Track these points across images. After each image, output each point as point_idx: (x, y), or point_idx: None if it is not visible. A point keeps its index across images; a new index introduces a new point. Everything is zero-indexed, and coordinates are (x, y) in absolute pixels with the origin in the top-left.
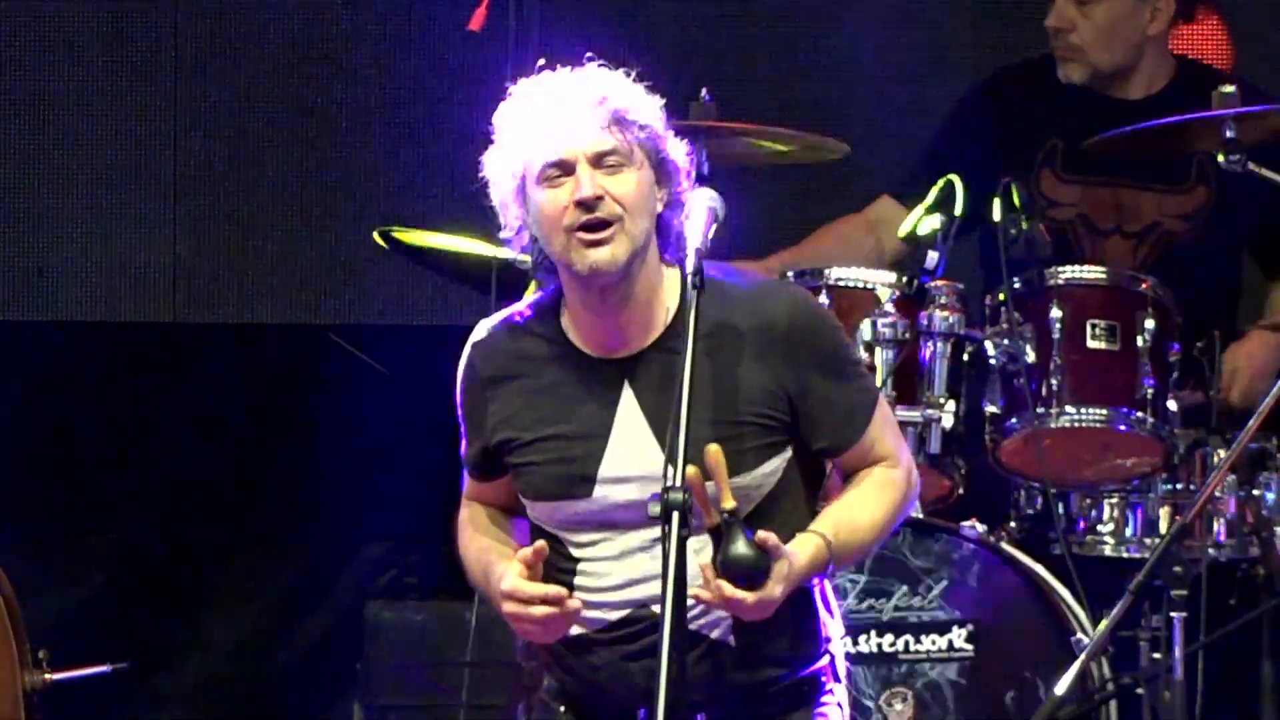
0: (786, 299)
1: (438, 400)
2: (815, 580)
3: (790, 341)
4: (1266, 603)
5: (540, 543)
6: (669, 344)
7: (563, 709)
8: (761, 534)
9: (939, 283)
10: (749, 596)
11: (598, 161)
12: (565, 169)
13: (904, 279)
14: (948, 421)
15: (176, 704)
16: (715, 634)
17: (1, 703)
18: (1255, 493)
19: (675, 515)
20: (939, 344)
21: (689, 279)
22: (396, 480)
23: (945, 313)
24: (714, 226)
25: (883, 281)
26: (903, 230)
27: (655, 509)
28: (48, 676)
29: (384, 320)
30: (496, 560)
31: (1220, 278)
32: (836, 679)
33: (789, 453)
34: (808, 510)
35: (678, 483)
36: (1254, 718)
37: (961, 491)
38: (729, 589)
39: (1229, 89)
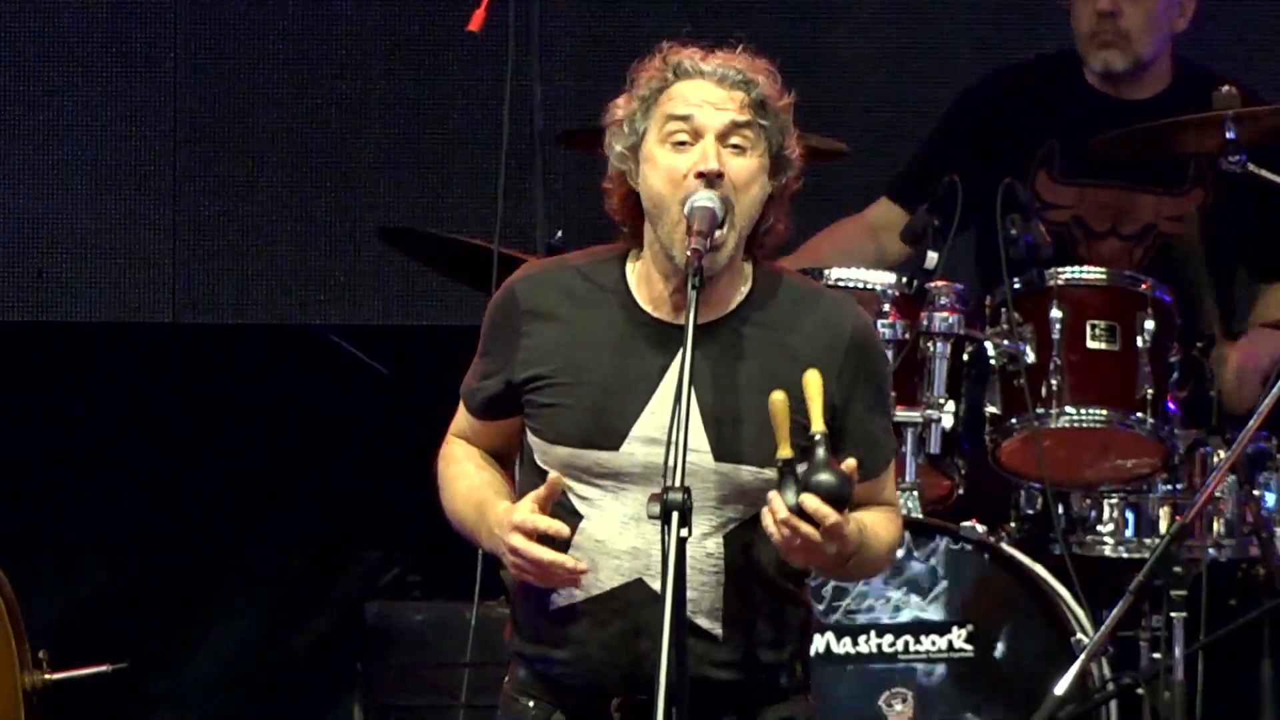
0: (856, 316)
1: (438, 400)
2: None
3: (849, 356)
4: (1267, 603)
5: (555, 475)
6: (735, 323)
7: (531, 703)
8: (851, 464)
9: (939, 283)
10: (831, 515)
11: (725, 137)
12: (694, 135)
13: (904, 279)
14: (948, 422)
15: (176, 704)
16: (703, 621)
17: (2, 703)
18: (1255, 493)
19: (675, 515)
20: (939, 344)
21: (689, 280)
22: (396, 480)
23: (945, 313)
24: (714, 227)
25: (882, 282)
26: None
27: (654, 509)
28: (48, 676)
29: (384, 320)
30: (494, 499)
31: (1217, 279)
32: (808, 677)
33: None
34: None
35: (677, 483)
36: (1254, 718)
37: (961, 492)
38: (814, 502)
39: (1229, 89)
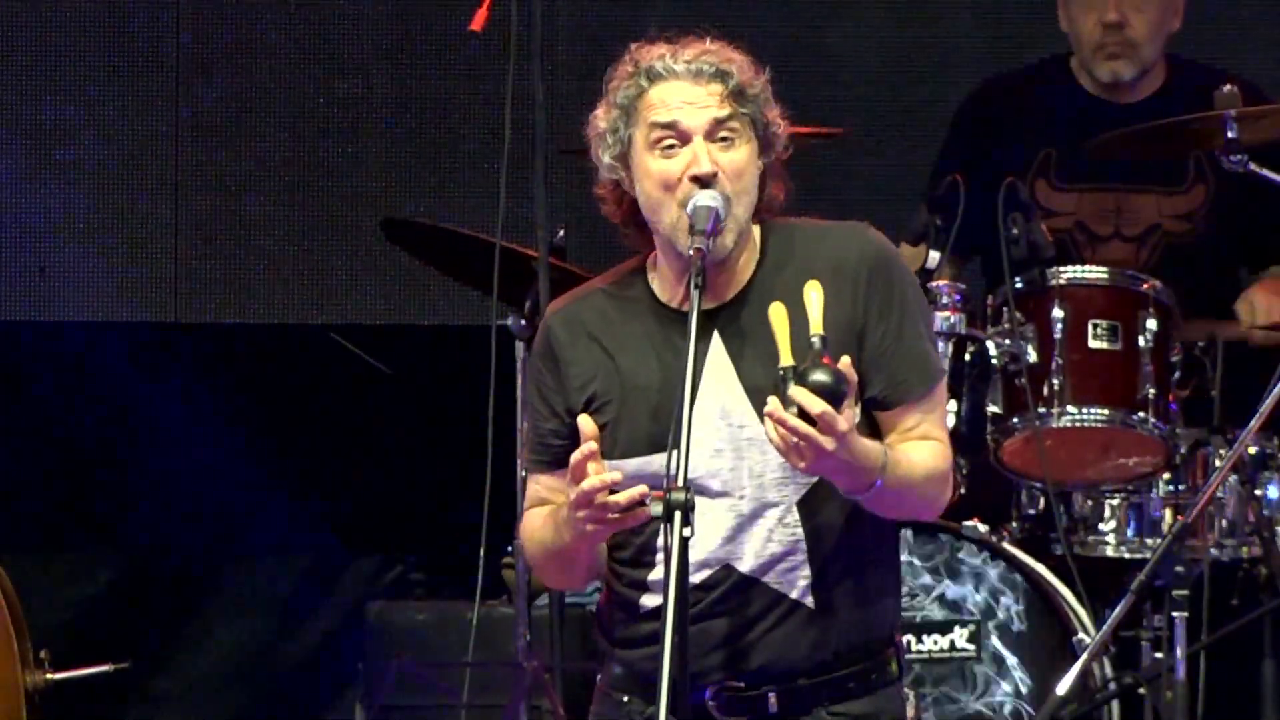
0: (868, 240)
1: (438, 400)
2: (886, 544)
3: (864, 279)
4: (1268, 602)
5: (585, 421)
6: (755, 290)
7: (626, 698)
8: (845, 361)
9: (941, 282)
10: (819, 404)
11: (712, 134)
12: (681, 139)
13: None
14: (949, 421)
15: (176, 704)
16: (794, 594)
17: (3, 702)
18: (1257, 492)
19: (676, 515)
20: (941, 344)
21: (691, 280)
22: (397, 480)
23: (947, 313)
24: (717, 225)
25: None
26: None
27: (657, 509)
28: (49, 676)
29: (385, 319)
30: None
31: (1222, 273)
32: (902, 669)
33: (858, 406)
34: None
35: (679, 482)
36: (1255, 718)
37: (963, 491)
38: (801, 393)
39: (1230, 89)
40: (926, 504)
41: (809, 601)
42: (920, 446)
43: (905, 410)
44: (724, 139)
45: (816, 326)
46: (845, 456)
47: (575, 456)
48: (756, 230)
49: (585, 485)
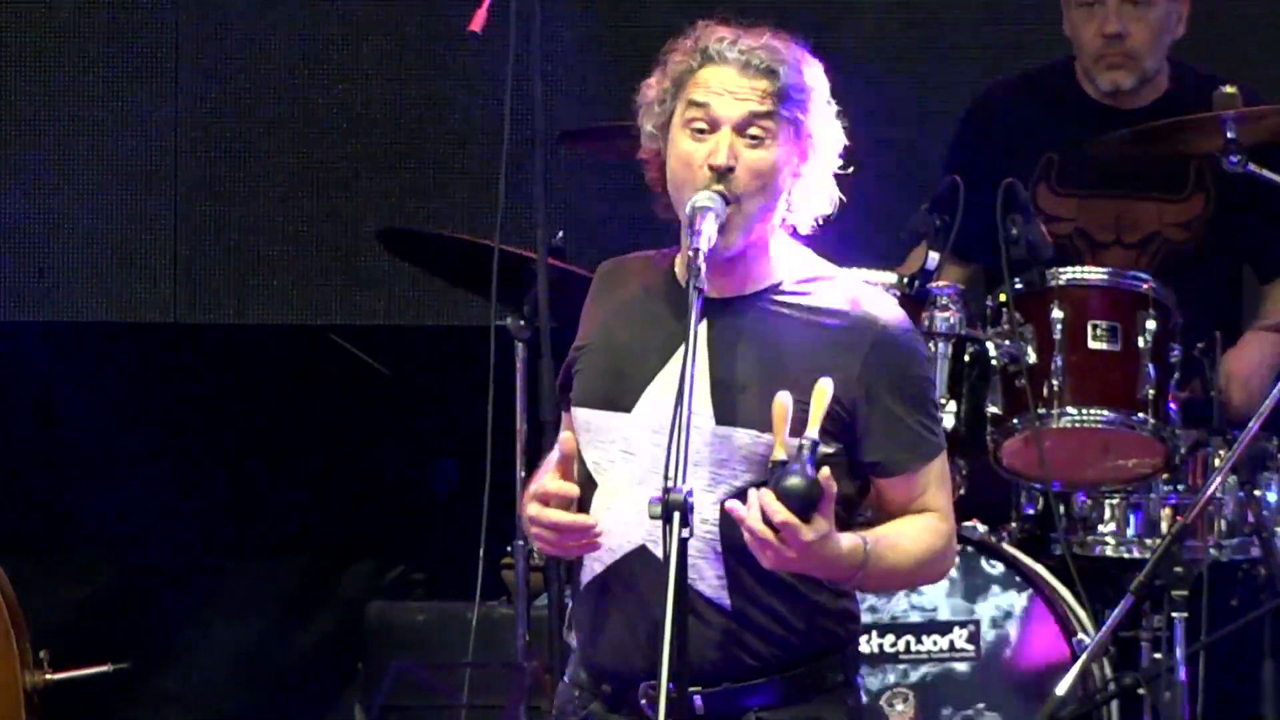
0: (890, 313)
1: (438, 400)
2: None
3: (875, 349)
4: (1268, 603)
5: (566, 435)
6: (764, 300)
7: (577, 692)
8: (826, 472)
9: (940, 283)
10: (780, 512)
11: (743, 129)
12: (711, 125)
13: (905, 280)
14: (949, 422)
15: (176, 704)
16: (708, 591)
17: (3, 702)
18: (1256, 493)
19: (675, 515)
20: (940, 345)
21: (691, 283)
22: (397, 480)
23: (946, 313)
24: (717, 227)
25: (884, 282)
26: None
27: (655, 510)
28: (49, 676)
29: (385, 320)
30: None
31: (1222, 282)
32: (849, 678)
33: (841, 452)
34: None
35: (678, 483)
36: (1256, 718)
37: (963, 492)
38: (767, 498)
39: (1230, 90)
40: (921, 581)
41: (724, 602)
42: (915, 525)
43: (905, 480)
44: (754, 136)
45: (812, 429)
46: (814, 562)
47: (539, 488)
48: (796, 249)
49: (551, 518)
